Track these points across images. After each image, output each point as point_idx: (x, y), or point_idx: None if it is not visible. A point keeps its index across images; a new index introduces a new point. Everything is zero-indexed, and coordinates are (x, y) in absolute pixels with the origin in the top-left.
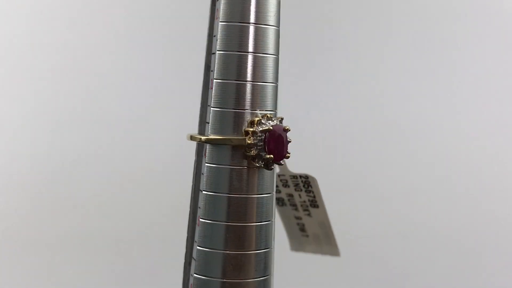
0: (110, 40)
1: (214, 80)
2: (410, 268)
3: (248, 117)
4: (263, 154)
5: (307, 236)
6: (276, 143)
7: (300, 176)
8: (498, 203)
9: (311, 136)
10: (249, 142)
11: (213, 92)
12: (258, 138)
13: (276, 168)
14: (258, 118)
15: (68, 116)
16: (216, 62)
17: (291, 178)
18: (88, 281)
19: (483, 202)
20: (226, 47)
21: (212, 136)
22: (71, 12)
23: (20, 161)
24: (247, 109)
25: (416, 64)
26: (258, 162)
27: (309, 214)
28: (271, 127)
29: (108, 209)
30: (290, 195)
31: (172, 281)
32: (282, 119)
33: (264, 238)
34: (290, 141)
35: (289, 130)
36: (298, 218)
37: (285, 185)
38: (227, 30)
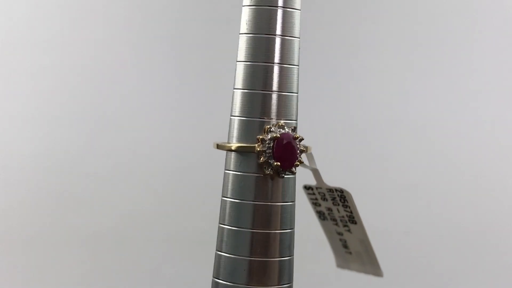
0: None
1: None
2: (411, 267)
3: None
4: (271, 161)
5: (350, 253)
6: (283, 151)
7: (336, 190)
8: (501, 202)
9: (312, 135)
10: (258, 149)
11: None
12: (267, 145)
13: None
14: (268, 126)
15: (77, 115)
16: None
17: (327, 192)
18: (91, 280)
19: (485, 201)
20: (252, 58)
21: (235, 144)
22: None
23: (20, 159)
24: (272, 118)
25: (418, 63)
26: (267, 169)
27: (349, 230)
28: (278, 135)
29: (111, 207)
30: (329, 209)
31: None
32: (295, 127)
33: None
34: (304, 150)
35: (300, 139)
36: (339, 233)
37: (324, 198)
38: (253, 41)
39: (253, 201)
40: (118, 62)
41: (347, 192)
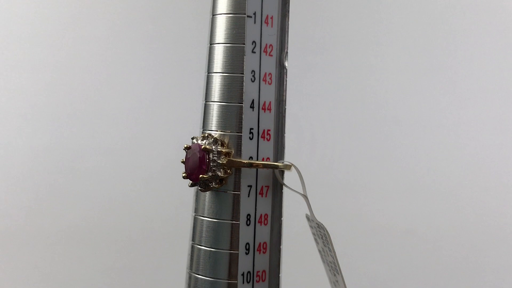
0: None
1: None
2: (411, 267)
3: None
4: (183, 171)
5: None
6: (189, 162)
7: (319, 226)
8: (500, 202)
9: (311, 134)
10: (182, 160)
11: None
12: (186, 156)
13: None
14: (196, 137)
15: (78, 114)
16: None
17: (317, 228)
18: (91, 277)
19: (484, 200)
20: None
21: None
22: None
23: (21, 157)
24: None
25: (417, 63)
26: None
27: (337, 281)
28: (189, 145)
29: (112, 206)
30: (323, 251)
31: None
32: (216, 139)
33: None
34: (212, 162)
35: (210, 150)
36: (332, 281)
37: (318, 234)
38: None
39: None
40: (115, 62)
41: (327, 231)
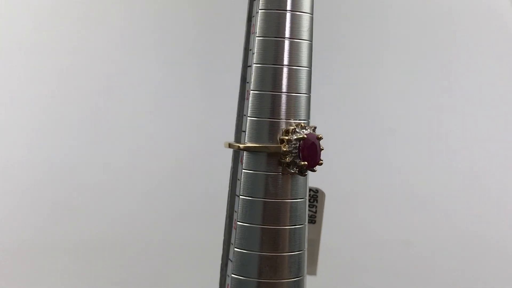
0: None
1: (251, 92)
2: (411, 275)
3: (283, 126)
4: (297, 161)
5: None
6: (309, 151)
7: (310, 190)
8: (497, 213)
9: None
10: (284, 149)
11: (250, 102)
12: (293, 146)
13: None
14: (292, 127)
15: (72, 123)
16: (252, 74)
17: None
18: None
19: (482, 211)
20: (262, 60)
21: (249, 144)
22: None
23: (16, 167)
24: (282, 119)
25: (413, 72)
26: (292, 169)
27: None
28: (305, 136)
29: (109, 215)
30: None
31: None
32: (315, 127)
33: (298, 241)
34: (322, 149)
35: (322, 138)
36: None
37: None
38: (263, 44)
39: (263, 198)
40: (116, 69)
41: (322, 193)
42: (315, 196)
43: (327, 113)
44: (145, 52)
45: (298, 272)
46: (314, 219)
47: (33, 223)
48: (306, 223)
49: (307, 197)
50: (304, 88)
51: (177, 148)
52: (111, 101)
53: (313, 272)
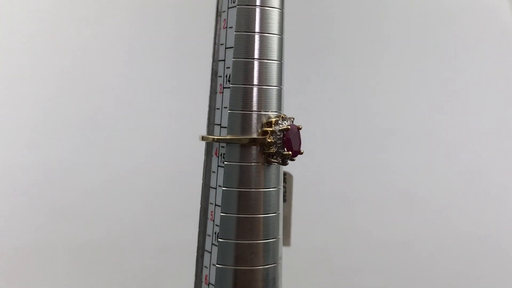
0: (112, 43)
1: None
2: (410, 276)
3: (257, 118)
4: (281, 151)
5: None
6: (293, 141)
7: (284, 174)
8: (496, 214)
9: (308, 141)
10: (269, 140)
11: (227, 96)
12: (277, 136)
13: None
14: (275, 119)
15: (71, 120)
16: (227, 68)
17: None
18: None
19: (481, 212)
20: (235, 54)
21: (229, 136)
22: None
23: (18, 165)
24: (254, 111)
25: (412, 73)
26: (276, 159)
27: None
28: (288, 126)
29: (113, 214)
30: None
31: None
32: (293, 119)
33: (272, 229)
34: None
35: (301, 129)
36: None
37: None
38: (236, 39)
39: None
40: (112, 70)
41: (290, 175)
42: (284, 178)
43: (327, 113)
44: (145, 52)
45: (273, 258)
46: (285, 197)
47: (33, 224)
48: (280, 211)
49: (281, 187)
50: (275, 81)
51: (177, 148)
52: (111, 101)
53: (287, 243)
